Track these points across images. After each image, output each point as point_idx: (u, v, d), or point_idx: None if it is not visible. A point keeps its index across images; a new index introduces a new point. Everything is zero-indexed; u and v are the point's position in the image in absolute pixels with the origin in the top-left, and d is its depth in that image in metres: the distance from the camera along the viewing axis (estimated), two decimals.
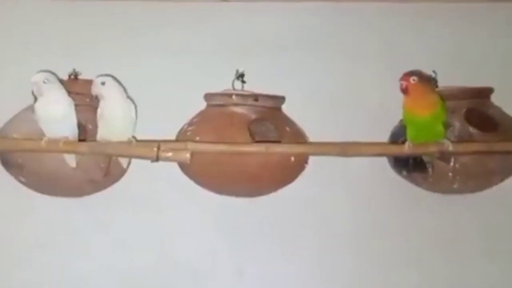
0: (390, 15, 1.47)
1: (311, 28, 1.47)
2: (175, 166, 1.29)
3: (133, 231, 1.42)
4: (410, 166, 1.33)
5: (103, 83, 1.21)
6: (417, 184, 1.37)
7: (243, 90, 1.33)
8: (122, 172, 1.32)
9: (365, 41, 1.48)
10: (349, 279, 1.45)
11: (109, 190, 1.33)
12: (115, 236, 1.42)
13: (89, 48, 1.41)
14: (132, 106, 1.24)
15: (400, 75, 1.24)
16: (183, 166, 1.28)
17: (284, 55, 1.45)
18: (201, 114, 1.33)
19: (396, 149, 1.30)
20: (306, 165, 1.32)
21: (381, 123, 1.38)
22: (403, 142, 1.27)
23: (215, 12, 1.44)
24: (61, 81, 1.24)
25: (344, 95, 1.46)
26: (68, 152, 1.21)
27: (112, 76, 1.24)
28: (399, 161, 1.36)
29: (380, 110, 1.42)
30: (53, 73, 1.24)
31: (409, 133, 1.27)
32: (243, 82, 1.34)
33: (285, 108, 1.35)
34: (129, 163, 1.30)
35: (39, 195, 1.31)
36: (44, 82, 1.19)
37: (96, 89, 1.21)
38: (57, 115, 1.19)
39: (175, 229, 1.43)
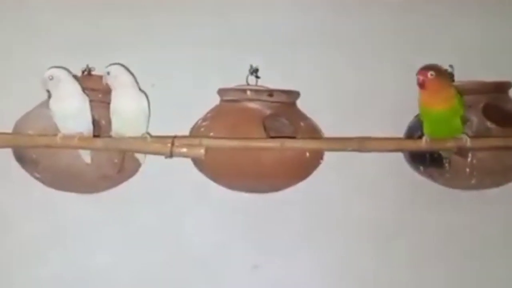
0: (408, 8, 1.45)
1: (326, 22, 1.45)
2: (188, 162, 1.28)
3: (147, 227, 1.42)
4: (427, 161, 1.32)
5: (108, 73, 1.21)
6: (434, 179, 1.36)
7: (258, 85, 1.32)
8: (136, 167, 1.31)
9: (381, 34, 1.46)
10: (363, 277, 1.44)
11: (123, 186, 1.31)
12: (130, 232, 1.41)
13: (102, 43, 1.40)
14: (144, 97, 1.23)
15: (417, 69, 1.23)
16: (197, 162, 1.28)
17: (298, 50, 1.43)
18: (215, 109, 1.31)
19: (413, 144, 1.28)
20: (321, 161, 1.31)
21: (396, 118, 1.37)
22: (420, 137, 1.26)
23: (229, 6, 1.43)
24: (75, 77, 1.24)
25: (359, 89, 1.44)
26: (83, 148, 1.21)
27: (123, 65, 1.23)
28: (415, 156, 1.34)
29: (396, 105, 1.41)
30: (67, 69, 1.23)
31: (426, 128, 1.26)
32: (257, 77, 1.33)
33: (299, 103, 1.34)
34: (145, 158, 1.30)
35: (53, 191, 1.31)
36: (50, 79, 1.18)
37: (107, 78, 1.21)
38: (72, 111, 1.19)
39: (189, 225, 1.42)
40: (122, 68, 1.22)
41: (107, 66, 1.22)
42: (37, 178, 1.28)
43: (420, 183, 1.38)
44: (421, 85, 1.21)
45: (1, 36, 1.40)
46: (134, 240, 1.41)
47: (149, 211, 1.41)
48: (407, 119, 1.36)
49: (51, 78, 1.19)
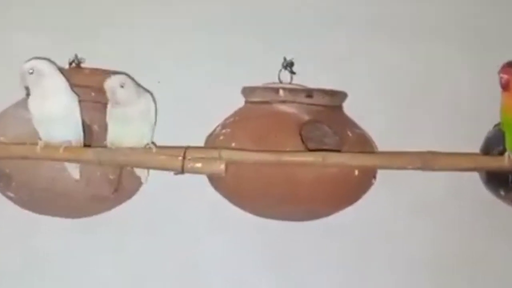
0: None
1: (381, 2, 1.35)
2: (203, 180, 1.19)
3: (149, 260, 1.34)
4: (509, 183, 1.21)
5: (122, 86, 1.12)
6: None
7: (293, 84, 1.23)
8: (137, 186, 1.22)
9: (452, 21, 1.36)
10: None
11: (119, 209, 1.24)
12: (127, 266, 1.34)
13: (94, 28, 1.32)
14: (150, 98, 1.16)
15: (498, 66, 1.13)
16: (214, 180, 1.19)
17: (345, 38, 1.34)
18: (238, 113, 1.23)
19: (492, 162, 1.18)
20: (374, 181, 1.22)
21: (472, 128, 1.28)
22: (501, 153, 1.16)
23: None
24: (61, 71, 1.16)
25: (424, 91, 1.35)
26: (70, 160, 1.13)
27: (127, 74, 1.16)
28: (495, 177, 1.24)
29: (471, 111, 1.34)
30: (51, 61, 1.15)
31: (509, 141, 1.15)
32: (292, 73, 1.25)
33: (347, 107, 1.25)
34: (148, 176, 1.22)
35: (31, 214, 1.22)
36: (30, 73, 1.11)
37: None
38: (57, 114, 1.12)
39: (201, 259, 1.35)
40: (129, 81, 1.14)
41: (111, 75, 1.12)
42: (10, 198, 1.20)
43: (500, 210, 1.29)
44: (505, 86, 1.12)
45: None
46: (133, 276, 1.34)
47: (152, 240, 1.34)
48: (485, 130, 1.26)
49: (31, 71, 1.11)
